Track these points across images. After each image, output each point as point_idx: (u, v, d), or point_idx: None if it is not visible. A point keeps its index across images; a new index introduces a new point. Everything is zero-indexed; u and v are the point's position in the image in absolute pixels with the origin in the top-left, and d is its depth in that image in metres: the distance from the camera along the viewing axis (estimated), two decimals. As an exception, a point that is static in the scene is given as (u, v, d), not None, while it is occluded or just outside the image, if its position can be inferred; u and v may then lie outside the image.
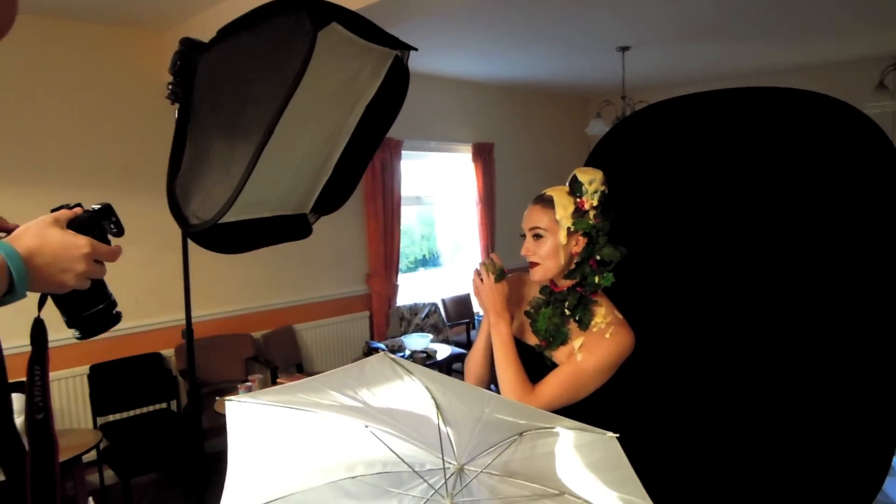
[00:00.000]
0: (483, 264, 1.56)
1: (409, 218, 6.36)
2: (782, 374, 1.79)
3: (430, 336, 4.95)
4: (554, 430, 0.96)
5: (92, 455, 3.47)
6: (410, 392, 1.02)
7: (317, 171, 1.77)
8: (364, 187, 5.50)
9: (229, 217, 1.48)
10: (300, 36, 1.22)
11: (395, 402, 1.05)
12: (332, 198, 1.85)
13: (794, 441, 1.74)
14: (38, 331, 0.88)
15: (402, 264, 6.19)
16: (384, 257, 5.59)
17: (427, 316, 5.77)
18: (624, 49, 4.95)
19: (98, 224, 0.89)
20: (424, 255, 6.70)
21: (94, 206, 0.91)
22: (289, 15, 1.26)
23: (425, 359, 4.52)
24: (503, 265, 1.56)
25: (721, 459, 1.82)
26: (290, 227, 1.76)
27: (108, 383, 3.88)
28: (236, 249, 1.53)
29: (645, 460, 1.52)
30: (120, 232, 0.92)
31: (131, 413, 3.99)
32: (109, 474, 3.75)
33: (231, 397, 1.00)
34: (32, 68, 3.69)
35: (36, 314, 0.87)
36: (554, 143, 7.11)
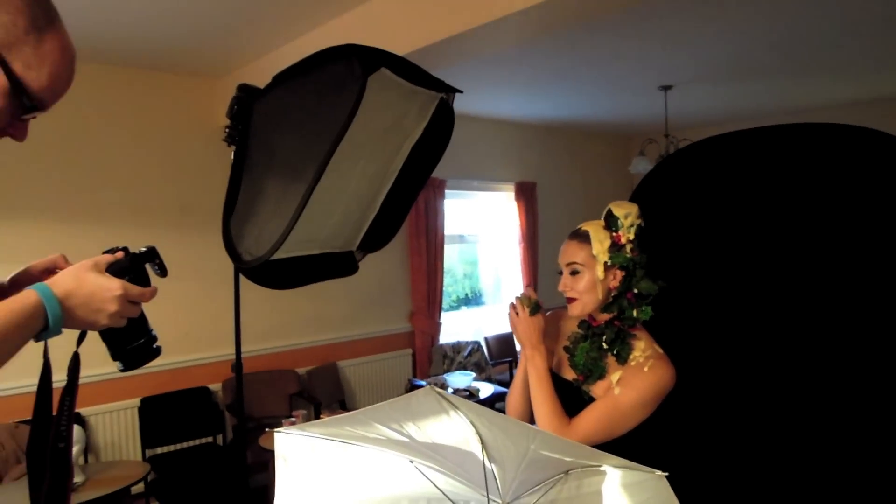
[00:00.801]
0: (518, 298, 1.57)
1: (451, 256, 6.40)
2: (831, 412, 1.73)
3: (473, 374, 4.93)
4: (601, 468, 0.95)
5: (140, 487, 3.54)
6: (456, 427, 1.03)
7: (364, 210, 1.82)
8: (408, 226, 5.58)
9: (280, 254, 1.53)
10: (351, 81, 1.28)
11: (440, 436, 1.05)
12: (378, 236, 1.89)
13: (840, 480, 1.68)
14: (74, 364, 0.95)
15: (445, 303, 6.21)
16: (427, 295, 5.62)
17: (470, 354, 5.75)
18: (666, 88, 4.96)
19: (139, 267, 0.97)
20: (467, 294, 6.71)
21: (140, 249, 0.99)
22: (341, 61, 1.33)
23: (468, 397, 4.49)
24: (538, 299, 1.57)
25: (780, 491, 1.76)
26: (338, 264, 1.80)
27: (157, 416, 3.97)
28: (286, 285, 1.58)
29: (691, 500, 1.48)
30: (163, 273, 1.00)
31: (179, 446, 4.06)
32: (156, 507, 3.81)
33: (280, 429, 1.03)
34: (96, 114, 3.91)
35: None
36: (597, 181, 7.10)
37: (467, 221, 6.41)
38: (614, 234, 1.57)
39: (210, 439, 4.16)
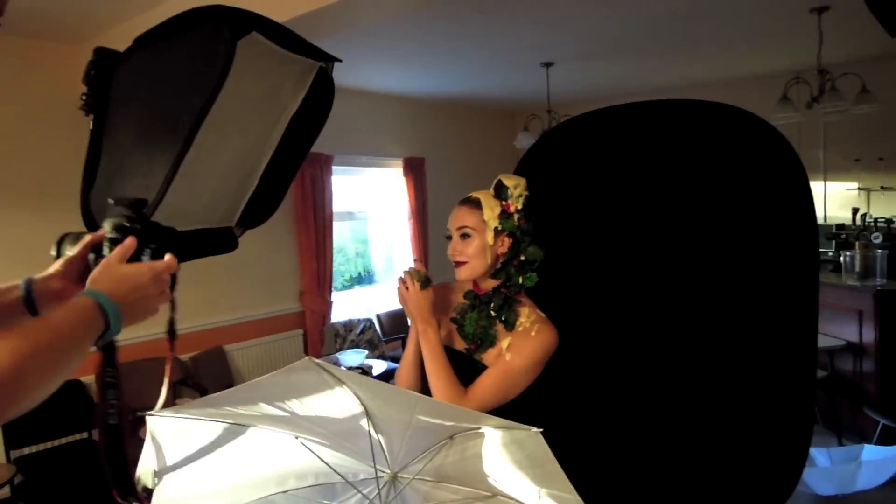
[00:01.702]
0: (407, 272, 1.58)
1: (343, 235, 6.31)
2: (692, 372, 1.87)
3: (366, 352, 4.91)
4: (481, 430, 0.97)
5: (6, 492, 3.26)
6: (340, 400, 1.01)
7: (241, 184, 1.74)
8: (294, 203, 5.43)
9: (149, 231, 1.44)
10: (220, 45, 1.21)
11: (325, 410, 1.04)
12: (257, 211, 1.80)
13: (711, 436, 1.83)
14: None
15: (338, 282, 6.12)
16: (317, 274, 5.52)
17: (362, 332, 5.73)
18: (548, 65, 5.11)
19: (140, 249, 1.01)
20: (360, 273, 6.65)
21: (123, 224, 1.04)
22: (208, 24, 1.24)
23: (361, 374, 4.48)
24: (428, 273, 1.58)
25: (639, 454, 1.88)
26: (215, 241, 1.70)
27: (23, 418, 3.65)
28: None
29: (570, 454, 1.56)
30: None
31: (49, 444, 3.77)
32: (24, 512, 3.52)
33: (152, 411, 0.97)
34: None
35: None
36: (484, 156, 7.22)
37: (356, 198, 6.32)
38: (504, 202, 1.62)
39: (85, 435, 3.89)
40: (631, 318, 1.93)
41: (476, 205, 1.61)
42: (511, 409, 1.55)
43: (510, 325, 1.57)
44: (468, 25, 4.05)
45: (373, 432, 1.07)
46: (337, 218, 5.78)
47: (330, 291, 5.65)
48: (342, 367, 4.45)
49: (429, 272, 1.60)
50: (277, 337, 5.30)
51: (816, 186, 5.81)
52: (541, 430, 0.83)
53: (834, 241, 5.31)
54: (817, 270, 1.74)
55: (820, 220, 5.85)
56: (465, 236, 1.59)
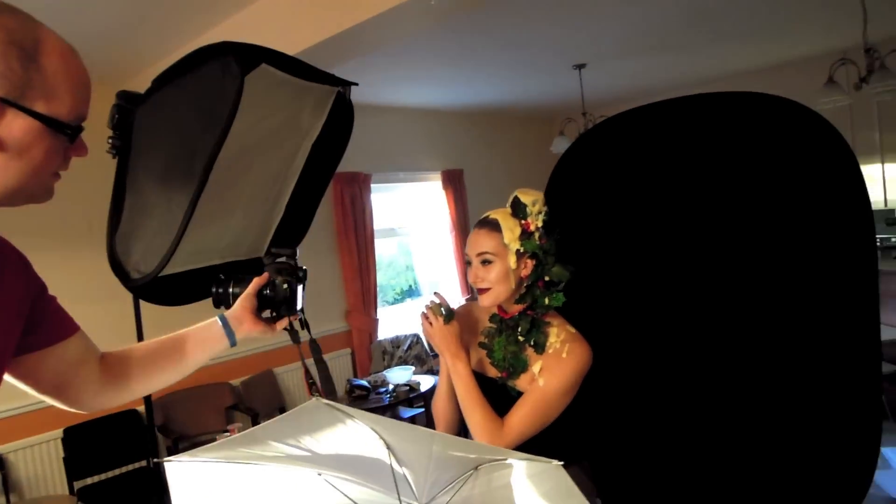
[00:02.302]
0: (429, 307, 1.54)
1: (391, 249, 6.35)
2: (751, 375, 1.77)
3: (413, 368, 4.89)
4: (506, 461, 0.93)
5: (70, 523, 3.36)
6: (357, 435, 0.99)
7: (267, 214, 1.75)
8: (335, 223, 5.48)
9: (174, 268, 1.45)
10: (228, 81, 1.21)
11: (343, 446, 1.01)
12: (286, 239, 1.82)
13: (775, 439, 1.73)
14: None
15: (389, 296, 6.15)
16: (361, 292, 5.55)
17: (409, 348, 5.72)
18: (580, 66, 5.02)
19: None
20: (410, 286, 6.67)
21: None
22: (216, 60, 1.25)
23: (409, 391, 4.46)
24: (449, 305, 1.54)
25: (704, 461, 1.80)
26: (243, 273, 1.72)
27: (83, 445, 3.77)
28: (185, 300, 1.50)
29: (635, 466, 1.49)
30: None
31: (110, 474, 3.87)
32: (90, 541, 3.62)
33: (170, 458, 0.96)
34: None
35: None
36: (522, 163, 7.16)
37: (398, 214, 6.35)
38: (523, 221, 1.56)
39: (143, 463, 3.99)
40: (683, 321, 1.85)
41: (494, 227, 1.54)
42: (550, 434, 1.49)
43: (540, 349, 1.51)
44: (492, 32, 4.02)
45: (396, 466, 1.04)
46: (378, 235, 5.81)
47: (375, 309, 5.66)
48: (390, 385, 4.45)
49: (449, 303, 1.57)
50: (326, 357, 5.31)
51: (873, 170, 5.52)
52: (561, 462, 0.79)
53: (896, 227, 5.04)
54: (875, 259, 1.62)
55: (878, 205, 5.57)
56: (485, 262, 1.52)
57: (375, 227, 5.73)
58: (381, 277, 6.20)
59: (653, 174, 2.18)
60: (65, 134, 0.85)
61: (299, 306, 1.43)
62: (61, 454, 3.73)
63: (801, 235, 1.71)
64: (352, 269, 5.51)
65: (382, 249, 6.21)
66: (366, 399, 4.41)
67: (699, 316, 1.85)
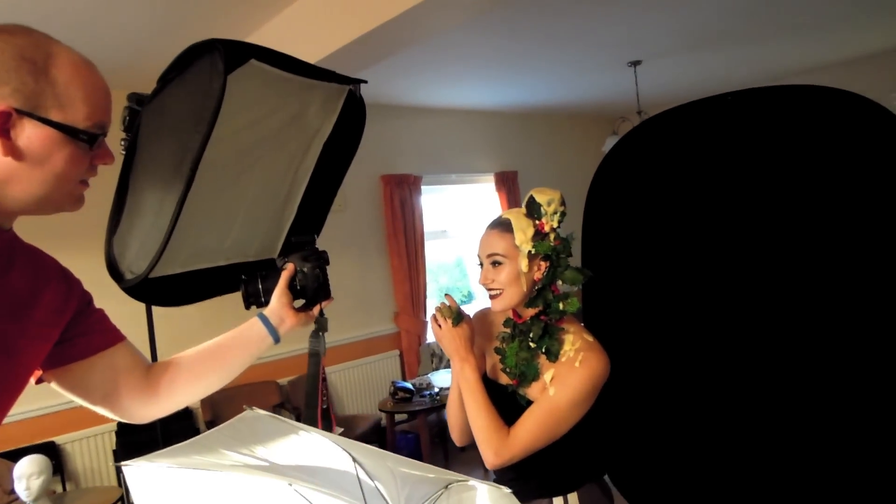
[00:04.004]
0: (438, 309, 1.48)
1: (457, 252, 6.34)
2: (803, 390, 1.63)
3: (459, 372, 4.83)
4: (469, 483, 0.86)
5: (118, 513, 3.48)
6: (317, 447, 0.94)
7: (279, 214, 1.72)
8: (385, 225, 5.49)
9: (174, 269, 1.44)
10: (214, 77, 1.19)
11: (305, 458, 0.96)
12: (299, 240, 1.79)
13: (839, 446, 1.59)
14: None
15: (456, 298, 6.12)
16: (411, 294, 5.53)
17: (458, 351, 5.66)
18: (635, 63, 4.85)
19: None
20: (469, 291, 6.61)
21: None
22: (205, 57, 1.23)
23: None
24: (459, 307, 1.48)
25: (742, 483, 1.68)
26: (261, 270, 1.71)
27: (134, 438, 3.90)
28: (186, 301, 1.49)
29: (654, 488, 1.38)
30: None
31: (159, 468, 3.99)
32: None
33: (128, 462, 0.94)
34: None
35: None
36: (577, 164, 6.97)
37: (449, 216, 6.31)
38: (537, 221, 1.48)
39: (191, 458, 4.09)
40: (737, 322, 1.73)
41: (507, 227, 1.48)
42: (561, 444, 1.40)
43: (553, 356, 1.42)
44: (544, 29, 3.92)
45: (367, 479, 0.98)
46: (429, 237, 5.78)
47: (425, 311, 5.64)
48: (435, 388, 4.41)
49: (459, 306, 1.50)
50: (374, 358, 5.35)
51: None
52: (510, 490, 0.71)
53: None
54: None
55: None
56: (496, 264, 1.46)
57: (426, 229, 5.71)
58: (447, 280, 6.18)
59: (704, 174, 2.04)
60: (81, 140, 0.88)
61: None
62: (111, 447, 3.87)
63: (870, 235, 1.56)
64: (401, 272, 5.50)
65: (440, 252, 6.20)
66: (409, 401, 4.38)
67: (752, 324, 1.72)
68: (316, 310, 1.39)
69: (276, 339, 1.31)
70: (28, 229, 3.54)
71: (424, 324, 5.59)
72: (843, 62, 5.48)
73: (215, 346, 1.25)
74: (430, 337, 5.64)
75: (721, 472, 1.75)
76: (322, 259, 1.39)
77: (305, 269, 1.37)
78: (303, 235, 1.55)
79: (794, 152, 1.77)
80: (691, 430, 1.86)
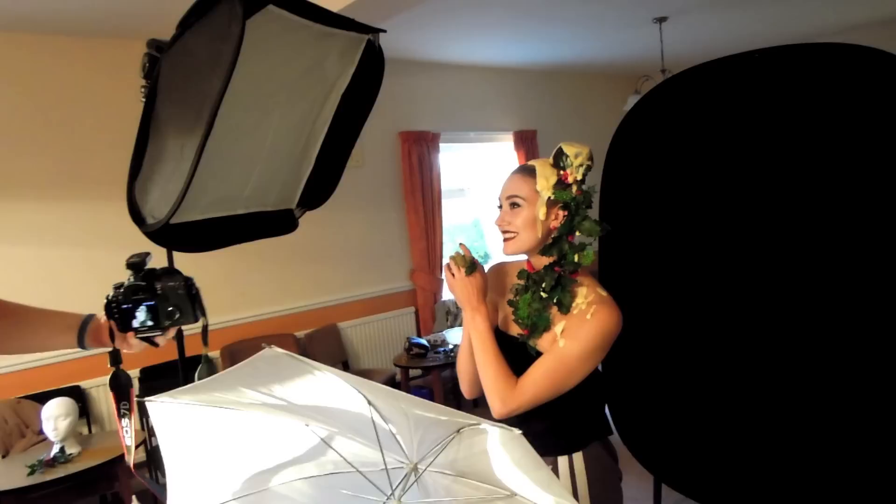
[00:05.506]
0: (452, 258, 1.49)
1: (474, 212, 6.34)
2: (820, 350, 1.63)
3: (473, 329, 4.87)
4: (481, 426, 0.88)
5: (141, 455, 3.61)
6: (332, 388, 0.96)
7: (297, 165, 1.73)
8: (403, 182, 5.48)
9: (194, 215, 1.46)
10: (233, 23, 1.18)
11: (320, 399, 0.99)
12: (317, 191, 1.80)
13: (828, 410, 1.60)
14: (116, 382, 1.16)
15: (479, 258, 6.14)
16: (427, 252, 5.56)
17: (473, 309, 5.70)
18: (661, 20, 4.72)
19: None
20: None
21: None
22: (225, 2, 1.22)
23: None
24: (474, 257, 1.49)
25: (747, 436, 1.69)
26: (273, 223, 1.72)
27: (158, 385, 4.00)
28: (206, 247, 1.51)
29: (658, 441, 1.40)
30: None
31: (180, 414, 4.10)
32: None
33: (151, 398, 0.97)
34: (60, 86, 3.83)
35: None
36: (598, 124, 6.86)
37: (467, 175, 6.27)
38: (562, 171, 1.47)
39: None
40: (754, 285, 1.72)
41: (530, 173, 1.48)
42: (571, 397, 1.42)
43: (565, 308, 1.43)
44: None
45: (381, 422, 1.01)
46: (446, 195, 5.77)
47: (440, 269, 5.67)
48: (450, 345, 4.46)
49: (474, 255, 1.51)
50: (389, 314, 5.41)
51: None
52: (520, 431, 0.73)
53: None
54: None
55: None
56: (514, 206, 1.47)
57: (443, 187, 5.69)
58: (466, 239, 6.19)
59: (727, 134, 2.01)
60: None
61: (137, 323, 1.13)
62: (137, 392, 3.98)
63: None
64: (418, 229, 5.52)
65: (457, 212, 6.19)
66: (424, 357, 4.45)
67: (769, 287, 1.71)
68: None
69: (83, 347, 1.18)
70: (56, 180, 3.56)
71: (440, 281, 5.62)
72: (881, 21, 5.29)
73: (25, 316, 1.16)
74: (446, 295, 5.68)
75: (731, 432, 1.76)
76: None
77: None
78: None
79: (824, 114, 1.73)
80: (702, 390, 1.87)
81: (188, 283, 1.13)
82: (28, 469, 2.94)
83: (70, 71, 3.91)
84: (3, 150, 3.68)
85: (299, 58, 1.48)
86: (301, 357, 0.84)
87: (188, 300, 1.13)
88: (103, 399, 3.97)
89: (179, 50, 1.40)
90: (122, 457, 3.14)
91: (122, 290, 1.10)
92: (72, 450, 3.11)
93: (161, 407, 0.96)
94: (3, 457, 3.44)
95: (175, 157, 1.30)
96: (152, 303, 1.10)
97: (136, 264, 1.11)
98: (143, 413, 3.88)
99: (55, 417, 3.04)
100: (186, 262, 3.94)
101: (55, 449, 3.07)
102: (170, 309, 1.12)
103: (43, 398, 3.39)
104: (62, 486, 2.93)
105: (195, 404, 0.98)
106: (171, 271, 1.16)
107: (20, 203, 3.74)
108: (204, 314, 1.16)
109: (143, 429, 3.86)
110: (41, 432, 3.30)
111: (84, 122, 3.93)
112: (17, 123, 3.73)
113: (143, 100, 1.54)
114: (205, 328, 1.20)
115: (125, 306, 1.09)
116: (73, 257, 3.87)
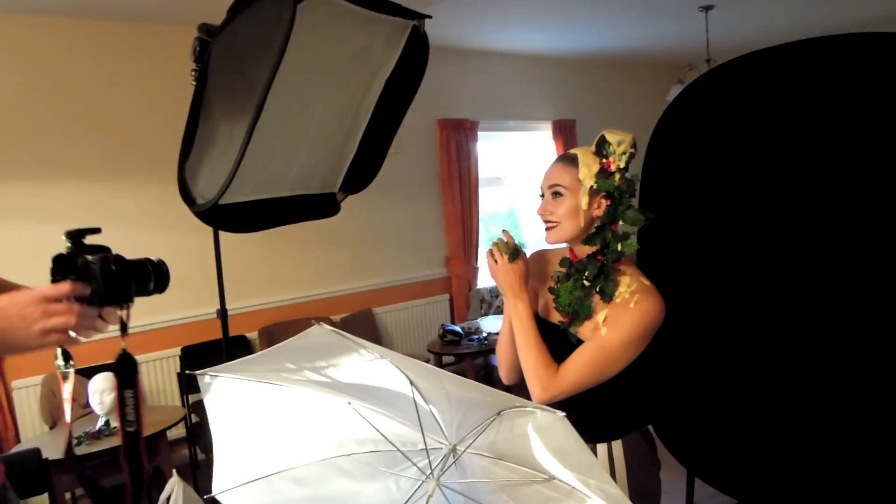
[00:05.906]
0: (495, 244, 1.49)
1: (510, 201, 6.33)
2: (867, 351, 1.59)
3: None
4: (527, 408, 0.89)
5: (181, 431, 3.72)
6: (376, 367, 0.98)
7: (340, 149, 1.76)
8: (440, 170, 5.49)
9: (241, 197, 1.50)
10: (284, 8, 1.20)
11: (364, 377, 1.01)
12: (359, 176, 1.83)
13: (872, 411, 1.56)
14: (123, 363, 1.01)
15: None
16: (463, 240, 5.56)
17: (507, 298, 5.69)
18: (707, 8, 4.62)
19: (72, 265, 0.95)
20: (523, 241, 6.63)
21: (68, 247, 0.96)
22: (275, -12, 1.25)
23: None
24: (517, 244, 1.48)
25: (785, 436, 1.67)
26: (315, 207, 1.76)
27: (197, 364, 4.10)
28: (251, 228, 1.55)
29: (694, 436, 1.39)
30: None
31: (219, 393, 4.21)
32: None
33: (203, 371, 1.00)
34: (105, 71, 3.93)
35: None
36: (640, 114, 6.75)
37: (504, 164, 6.25)
38: (604, 160, 1.46)
39: (249, 385, 4.29)
40: (799, 280, 1.68)
41: (572, 161, 1.46)
42: (611, 386, 1.42)
43: (607, 296, 1.43)
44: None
45: (422, 402, 1.03)
46: (483, 184, 5.76)
47: (476, 257, 5.67)
48: (484, 332, 4.48)
49: (517, 242, 1.51)
50: (424, 301, 5.44)
51: None
52: (563, 413, 0.73)
53: None
54: None
55: None
56: (556, 195, 1.45)
57: (481, 175, 5.69)
58: (503, 227, 6.21)
59: (775, 127, 1.96)
60: None
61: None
62: (178, 369, 4.10)
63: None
64: (454, 217, 5.52)
65: (493, 201, 6.18)
66: (457, 344, 4.47)
67: (814, 282, 1.67)
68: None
69: None
70: (102, 163, 3.65)
71: (475, 269, 5.63)
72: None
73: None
74: (481, 282, 5.68)
75: (767, 429, 1.74)
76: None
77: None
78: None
79: (883, 107, 1.68)
80: (739, 385, 1.85)
81: (104, 261, 0.96)
82: (75, 440, 3.05)
83: (116, 56, 4.01)
84: (52, 134, 3.80)
85: (346, 43, 1.50)
86: (349, 335, 0.86)
87: (104, 280, 0.96)
88: (146, 375, 4.09)
89: (230, 35, 1.44)
90: (163, 432, 3.24)
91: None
92: (116, 423, 3.22)
93: (211, 381, 0.99)
94: (52, 428, 3.58)
95: (224, 140, 1.34)
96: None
97: (72, 234, 0.98)
98: (184, 389, 4.01)
99: (101, 392, 3.15)
100: (230, 245, 4.06)
101: (100, 422, 3.18)
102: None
103: (90, 373, 3.51)
104: (106, 458, 3.03)
105: (243, 379, 1.01)
106: (98, 248, 1.00)
107: (68, 185, 3.87)
108: (126, 300, 0.97)
109: (183, 405, 3.99)
110: (87, 405, 3.43)
111: (128, 107, 4.03)
112: (64, 107, 3.85)
113: (194, 83, 1.58)
114: (122, 319, 0.99)
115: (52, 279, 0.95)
116: (118, 236, 3.98)
